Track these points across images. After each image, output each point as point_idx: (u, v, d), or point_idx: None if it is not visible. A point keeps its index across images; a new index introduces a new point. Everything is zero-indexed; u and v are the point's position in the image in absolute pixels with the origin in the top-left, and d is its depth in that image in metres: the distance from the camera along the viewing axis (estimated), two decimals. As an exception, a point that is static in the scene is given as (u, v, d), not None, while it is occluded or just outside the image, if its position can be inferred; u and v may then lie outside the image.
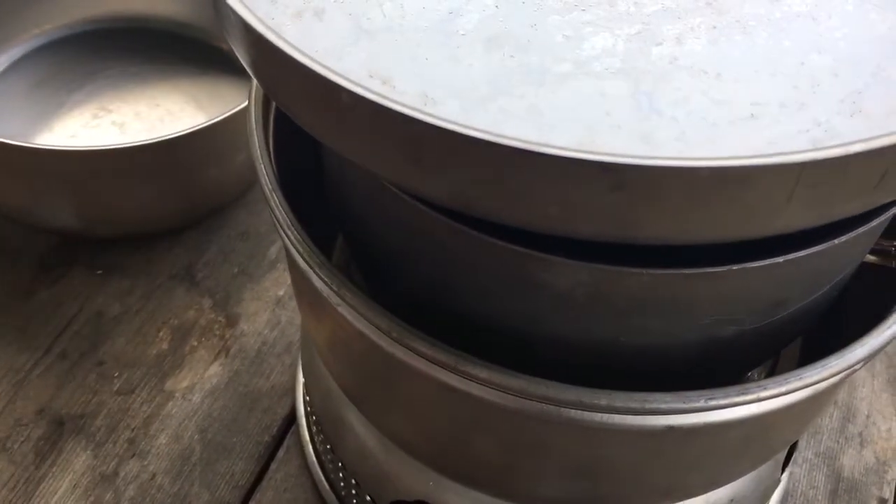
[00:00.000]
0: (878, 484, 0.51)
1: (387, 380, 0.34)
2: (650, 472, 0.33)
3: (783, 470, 0.45)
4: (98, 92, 0.67)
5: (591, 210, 0.24)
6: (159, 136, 0.52)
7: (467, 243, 0.28)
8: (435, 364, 0.29)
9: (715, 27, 0.31)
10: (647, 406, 0.28)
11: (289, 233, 0.32)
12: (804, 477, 0.51)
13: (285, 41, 0.26)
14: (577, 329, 0.30)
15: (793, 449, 0.45)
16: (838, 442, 0.53)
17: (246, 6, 0.27)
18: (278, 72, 0.28)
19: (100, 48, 0.70)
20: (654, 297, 0.28)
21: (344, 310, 0.32)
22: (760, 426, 0.32)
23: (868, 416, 0.54)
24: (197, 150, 0.55)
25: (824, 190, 0.24)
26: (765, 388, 0.28)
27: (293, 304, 0.58)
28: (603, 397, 0.28)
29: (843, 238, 0.27)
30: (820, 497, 0.50)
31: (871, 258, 0.37)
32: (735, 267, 0.27)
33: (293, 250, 0.32)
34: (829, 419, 0.54)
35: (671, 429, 0.30)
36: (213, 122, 0.53)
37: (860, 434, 0.53)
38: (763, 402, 0.29)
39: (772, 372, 0.44)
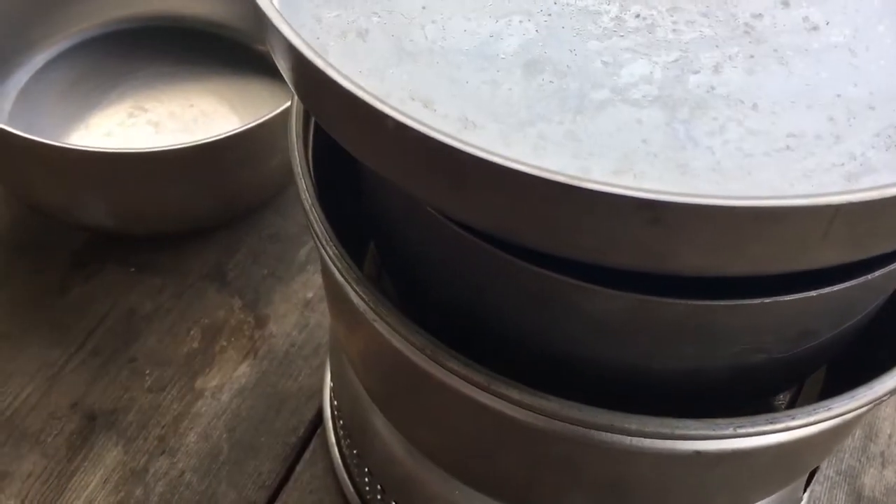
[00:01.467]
0: (898, 504, 0.51)
1: (417, 394, 0.35)
2: (676, 493, 0.34)
3: (805, 489, 0.45)
4: (133, 91, 0.68)
5: (626, 242, 0.25)
6: (194, 139, 0.53)
7: (504, 267, 0.28)
8: (468, 383, 0.30)
9: (752, 56, 0.32)
10: (677, 432, 0.29)
11: (327, 248, 0.33)
12: (825, 495, 0.52)
13: (328, 64, 0.26)
14: (610, 352, 0.30)
15: (815, 469, 0.46)
16: (860, 461, 0.53)
17: (290, 26, 0.28)
18: (321, 93, 0.28)
19: (135, 48, 0.71)
20: (687, 326, 0.28)
21: (379, 325, 0.32)
22: (787, 452, 0.32)
23: (890, 436, 0.54)
24: (231, 154, 0.56)
25: (860, 230, 0.25)
26: (793, 418, 0.29)
27: (322, 306, 0.59)
28: (634, 422, 0.29)
29: (877, 273, 0.27)
30: (840, 515, 0.51)
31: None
32: (768, 300, 0.27)
33: (330, 264, 0.33)
34: (851, 438, 0.54)
35: (699, 454, 0.30)
36: (247, 127, 0.54)
37: (882, 454, 0.53)
38: (791, 432, 0.30)
39: (796, 394, 0.44)
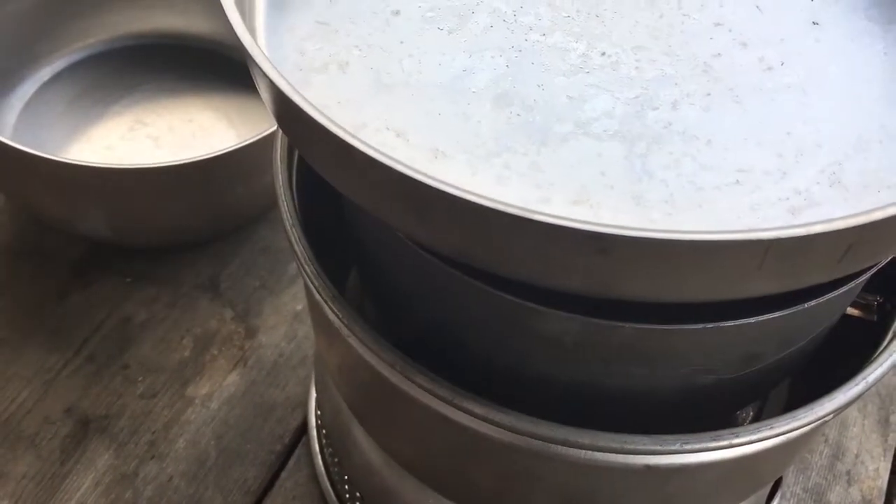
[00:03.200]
0: (862, 521, 0.53)
1: (391, 407, 0.37)
2: (632, 504, 0.36)
3: (768, 503, 0.47)
4: (134, 105, 0.70)
5: (578, 269, 0.27)
6: (193, 153, 0.55)
7: (468, 290, 0.30)
8: (434, 397, 0.32)
9: (709, 94, 0.34)
10: (626, 447, 0.30)
11: (306, 267, 0.35)
12: (791, 511, 0.53)
13: (304, 98, 0.28)
14: (568, 371, 0.32)
15: (777, 485, 0.47)
16: (826, 479, 0.55)
17: (270, 62, 0.30)
18: (298, 125, 0.30)
19: (137, 64, 0.73)
20: (636, 348, 0.30)
21: (353, 341, 0.34)
22: (736, 468, 0.34)
23: (857, 456, 0.56)
24: (226, 170, 0.58)
25: (791, 262, 0.26)
26: (737, 436, 0.31)
27: (310, 319, 0.61)
28: (587, 437, 0.31)
29: (811, 303, 0.29)
30: (805, 531, 0.53)
31: (853, 311, 0.39)
32: (710, 326, 0.29)
33: (309, 283, 0.35)
34: (818, 456, 0.56)
35: (649, 468, 0.32)
36: (242, 145, 0.56)
37: (848, 472, 0.55)
38: (736, 448, 0.32)
39: (761, 408, 0.46)
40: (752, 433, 0.31)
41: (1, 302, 0.61)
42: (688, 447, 0.30)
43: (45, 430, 0.55)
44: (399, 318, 0.37)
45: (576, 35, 0.36)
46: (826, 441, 0.56)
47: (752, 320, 0.29)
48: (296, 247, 0.35)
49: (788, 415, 0.31)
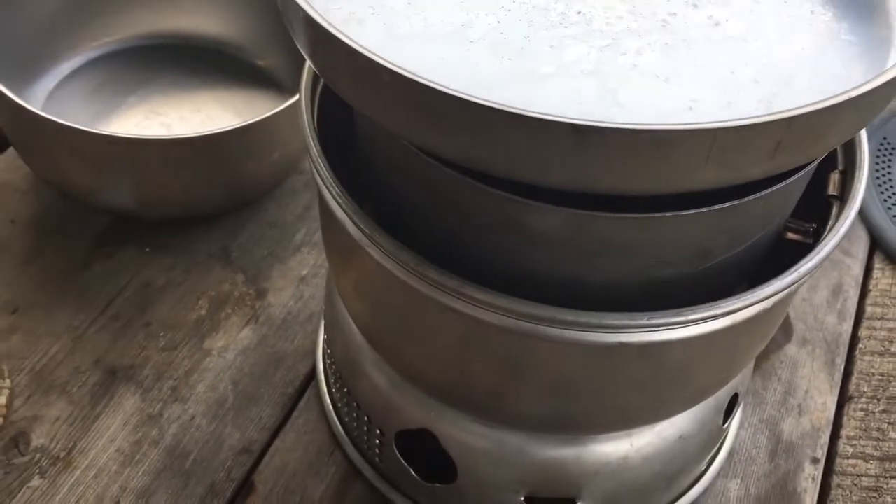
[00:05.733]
0: (812, 446, 0.60)
1: (402, 310, 0.43)
2: (608, 390, 0.42)
3: (725, 420, 0.53)
4: (148, 98, 0.77)
5: (561, 163, 0.33)
6: (207, 129, 0.62)
7: (467, 191, 0.37)
8: (443, 289, 0.38)
9: (667, 44, 0.41)
10: (603, 322, 0.37)
11: (331, 188, 0.41)
12: (749, 439, 0.60)
13: (343, 33, 0.35)
14: (553, 266, 0.39)
15: (733, 403, 0.54)
16: (780, 411, 0.61)
17: (311, 5, 0.36)
18: (333, 57, 0.36)
19: (150, 61, 0.80)
20: (611, 239, 0.37)
21: (373, 251, 0.40)
22: (698, 351, 0.41)
23: (807, 392, 0.63)
24: (236, 145, 0.64)
25: (733, 155, 0.33)
26: (693, 312, 0.37)
27: (315, 281, 0.67)
28: (569, 315, 0.37)
29: (750, 198, 0.36)
30: (762, 455, 0.59)
31: (793, 236, 0.46)
32: (668, 214, 0.36)
33: (333, 202, 0.41)
34: (772, 392, 0.62)
35: (623, 345, 0.38)
36: (252, 121, 0.62)
37: (799, 406, 0.62)
38: (695, 326, 0.38)
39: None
40: (705, 310, 0.37)
41: (30, 270, 0.67)
42: (653, 322, 0.37)
43: (76, 378, 0.61)
44: (408, 233, 0.43)
45: (555, -3, 0.43)
46: (779, 380, 0.63)
47: (703, 210, 0.36)
48: (322, 172, 0.42)
49: (736, 296, 0.38)
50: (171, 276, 0.67)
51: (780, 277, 0.39)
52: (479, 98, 0.32)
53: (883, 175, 0.79)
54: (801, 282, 0.40)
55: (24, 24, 0.74)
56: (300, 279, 0.67)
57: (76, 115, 0.74)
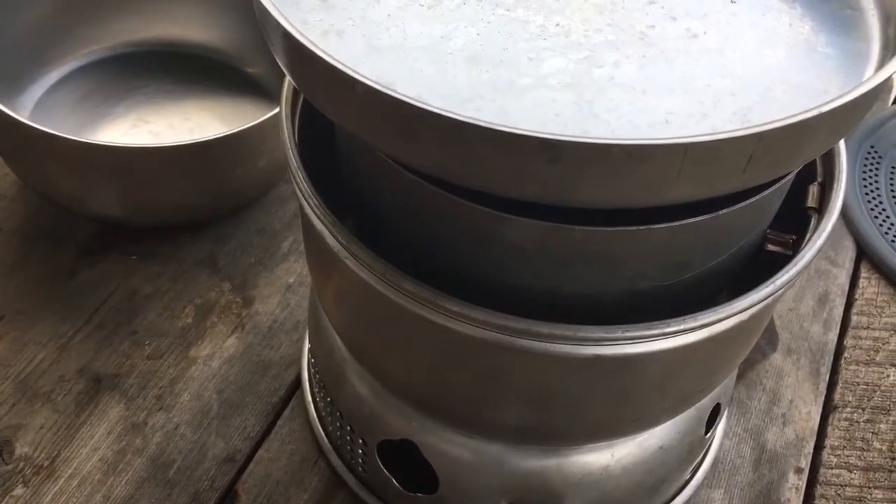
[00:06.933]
0: (796, 456, 0.60)
1: (381, 321, 0.43)
2: (586, 402, 0.42)
3: (708, 430, 0.54)
4: (136, 106, 0.77)
5: (534, 177, 0.33)
6: (195, 137, 0.62)
7: (443, 203, 0.37)
8: (418, 301, 0.38)
9: (644, 56, 0.41)
10: (578, 335, 0.37)
11: (309, 200, 0.41)
12: (733, 448, 0.60)
13: (318, 47, 0.35)
14: (529, 278, 0.39)
15: (716, 412, 0.54)
16: (764, 420, 0.61)
17: (288, 20, 0.36)
18: (310, 70, 0.37)
19: (138, 68, 0.80)
20: (585, 251, 0.37)
21: (350, 262, 0.41)
22: (675, 363, 0.41)
23: (791, 401, 0.63)
24: (223, 153, 0.64)
25: (705, 169, 0.33)
26: (668, 325, 0.37)
27: (301, 290, 0.67)
28: (545, 327, 0.37)
29: (722, 212, 0.36)
30: (745, 465, 0.59)
31: (773, 248, 0.46)
32: (642, 227, 0.36)
33: (312, 214, 0.41)
34: (757, 402, 0.62)
35: (598, 357, 0.38)
36: (239, 129, 0.62)
37: (783, 415, 0.62)
38: (670, 339, 0.38)
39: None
40: (679, 324, 0.37)
41: (16, 279, 0.67)
42: (629, 335, 0.37)
43: (60, 387, 0.61)
44: (386, 244, 0.43)
45: (535, 10, 0.43)
46: (764, 389, 0.63)
47: (676, 224, 0.36)
48: (302, 185, 0.42)
49: (711, 309, 0.38)
50: (158, 284, 0.67)
51: (756, 290, 0.39)
52: (451, 112, 0.33)
53: (870, 184, 0.79)
54: (777, 294, 0.40)
55: (11, 33, 0.74)
56: (287, 287, 0.67)
57: (64, 123, 0.74)
